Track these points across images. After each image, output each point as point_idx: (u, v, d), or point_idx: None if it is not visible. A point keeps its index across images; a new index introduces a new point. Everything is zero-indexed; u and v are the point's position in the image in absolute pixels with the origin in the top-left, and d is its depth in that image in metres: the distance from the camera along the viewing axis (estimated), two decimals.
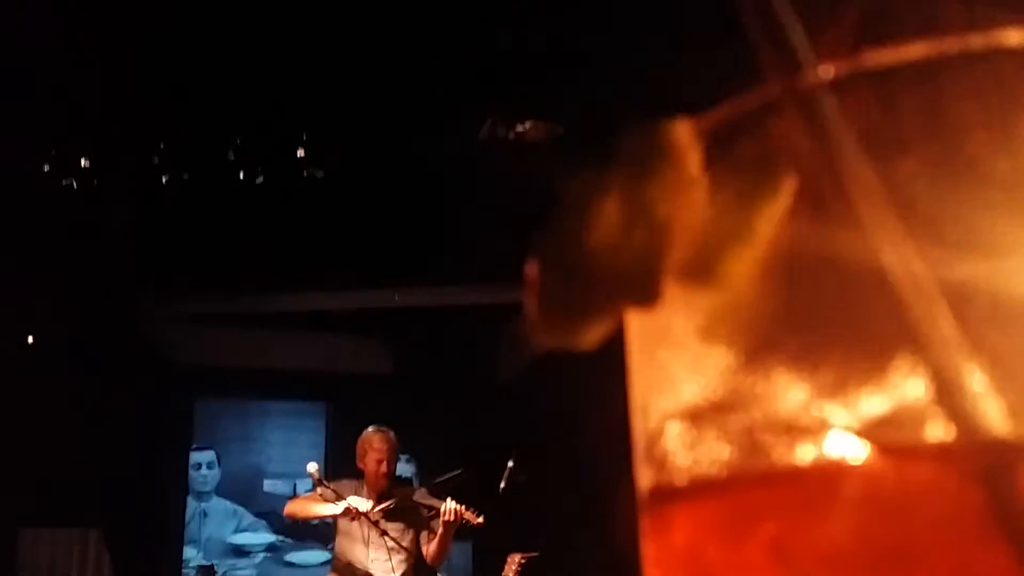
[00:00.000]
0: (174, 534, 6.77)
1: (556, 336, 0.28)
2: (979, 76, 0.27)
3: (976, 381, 0.24)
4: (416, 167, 4.98)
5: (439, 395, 7.12)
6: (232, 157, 4.98)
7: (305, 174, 5.06)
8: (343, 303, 6.56)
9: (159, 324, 6.65)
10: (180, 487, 6.94)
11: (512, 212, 5.07)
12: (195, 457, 7.12)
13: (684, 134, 0.28)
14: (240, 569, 7.02)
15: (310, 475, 4.95)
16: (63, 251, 5.24)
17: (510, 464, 5.07)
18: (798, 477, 0.26)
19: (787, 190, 0.27)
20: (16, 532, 6.11)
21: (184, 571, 6.74)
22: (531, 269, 0.28)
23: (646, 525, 0.29)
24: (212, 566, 6.02)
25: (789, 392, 0.26)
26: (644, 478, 0.29)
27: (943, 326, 0.25)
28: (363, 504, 4.91)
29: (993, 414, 0.24)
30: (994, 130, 0.26)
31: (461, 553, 7.07)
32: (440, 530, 4.78)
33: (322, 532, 6.54)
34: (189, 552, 6.90)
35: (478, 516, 4.88)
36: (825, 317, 0.26)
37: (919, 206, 0.26)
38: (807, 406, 0.26)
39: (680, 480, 0.28)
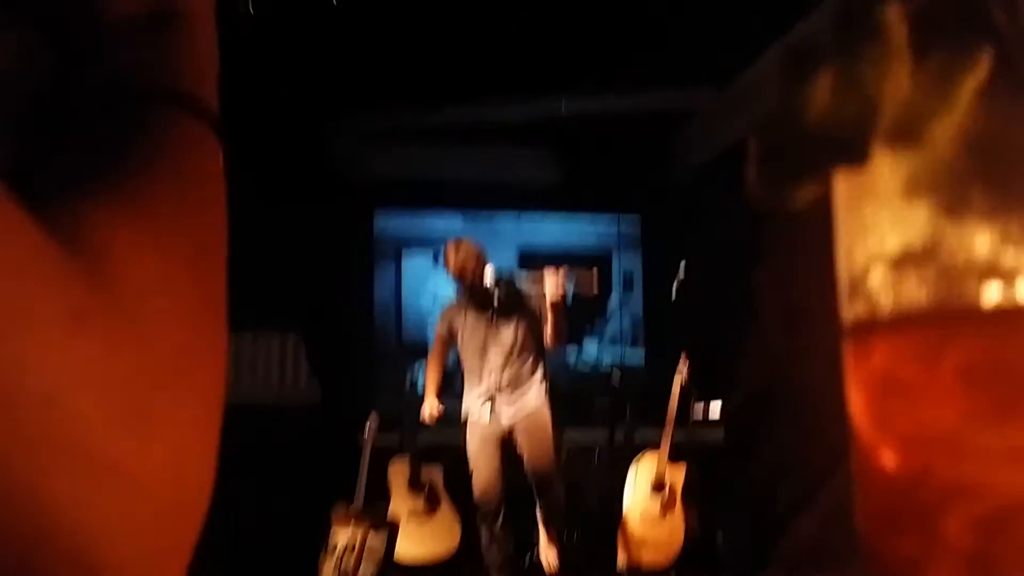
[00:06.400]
0: (362, 335, 7.22)
1: (775, 196, 0.33)
2: None
3: None
4: None
5: (607, 202, 7.18)
6: None
7: None
8: (511, 114, 6.61)
9: (338, 140, 6.90)
10: (365, 291, 7.34)
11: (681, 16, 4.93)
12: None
13: (894, 13, 0.32)
14: None
15: None
16: (243, 73, 5.43)
17: (681, 269, 5.13)
18: (986, 313, 0.31)
19: (984, 63, 0.31)
20: None
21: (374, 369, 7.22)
22: (752, 142, 0.33)
23: (850, 350, 0.35)
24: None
25: (980, 242, 0.31)
26: (849, 311, 0.34)
27: None
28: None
29: None
30: None
31: (632, 355, 7.28)
32: (549, 314, 4.87)
33: None
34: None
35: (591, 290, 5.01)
36: (1012, 176, 0.30)
37: None
38: (996, 254, 0.30)
39: (882, 314, 0.33)
